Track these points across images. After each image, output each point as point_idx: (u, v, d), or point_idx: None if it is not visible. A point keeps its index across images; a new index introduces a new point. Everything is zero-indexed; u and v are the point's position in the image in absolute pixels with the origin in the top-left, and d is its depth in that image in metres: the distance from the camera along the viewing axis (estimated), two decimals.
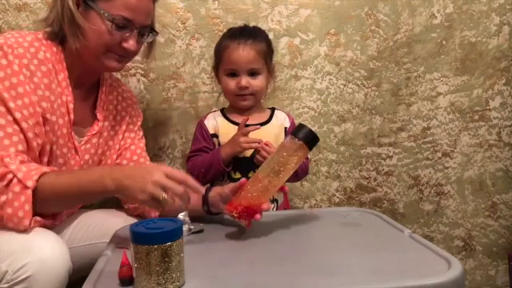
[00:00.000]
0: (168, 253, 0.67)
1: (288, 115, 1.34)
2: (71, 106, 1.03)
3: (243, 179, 0.97)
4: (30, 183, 0.85)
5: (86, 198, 0.95)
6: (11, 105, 0.90)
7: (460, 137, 1.61)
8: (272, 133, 1.26)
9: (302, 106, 1.54)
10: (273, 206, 1.24)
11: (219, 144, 1.25)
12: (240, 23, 1.37)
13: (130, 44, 1.02)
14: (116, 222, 1.04)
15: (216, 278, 0.74)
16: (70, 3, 0.97)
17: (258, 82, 1.23)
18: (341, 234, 0.99)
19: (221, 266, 0.79)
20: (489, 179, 1.64)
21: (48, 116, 0.96)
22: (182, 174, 0.88)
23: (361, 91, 1.56)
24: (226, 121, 1.28)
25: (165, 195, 0.83)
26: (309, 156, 1.47)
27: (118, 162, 1.17)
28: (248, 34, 1.24)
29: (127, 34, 1.01)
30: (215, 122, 1.28)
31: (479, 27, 1.58)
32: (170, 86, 1.48)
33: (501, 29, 1.59)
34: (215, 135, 1.27)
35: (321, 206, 1.58)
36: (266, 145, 1.18)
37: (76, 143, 1.05)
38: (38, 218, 0.88)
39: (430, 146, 1.61)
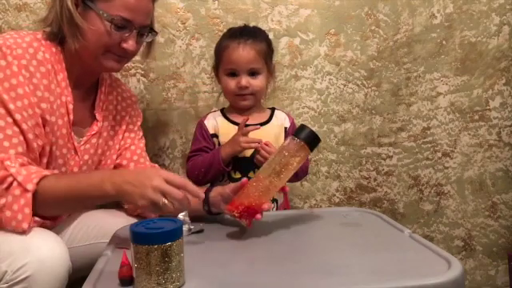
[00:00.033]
0: (168, 253, 0.67)
1: (288, 115, 1.33)
2: (71, 106, 1.02)
3: (244, 179, 0.97)
4: (30, 186, 0.85)
5: (86, 202, 0.95)
6: (11, 106, 0.90)
7: (460, 137, 1.61)
8: (272, 133, 1.26)
9: (302, 106, 1.54)
10: (273, 206, 1.24)
11: (219, 144, 1.25)
12: (240, 23, 1.37)
13: (130, 44, 1.01)
14: (116, 222, 1.04)
15: (216, 277, 0.74)
16: (69, 3, 0.96)
17: (258, 82, 1.23)
18: (341, 234, 0.99)
19: (221, 266, 0.79)
20: (489, 179, 1.64)
21: (47, 117, 0.96)
22: (181, 179, 0.88)
23: (361, 91, 1.56)
24: (226, 121, 1.28)
25: (165, 200, 0.83)
26: (309, 156, 1.47)
27: (117, 162, 1.17)
28: (248, 33, 1.24)
29: (126, 35, 1.00)
30: (215, 122, 1.28)
31: (479, 27, 1.58)
32: (170, 85, 1.48)
33: (501, 29, 1.59)
34: (215, 135, 1.27)
35: (321, 206, 1.58)
36: (266, 145, 1.18)
37: (75, 143, 1.05)
38: (37, 219, 0.88)
39: (429, 145, 1.61)
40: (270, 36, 1.36)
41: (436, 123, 1.60)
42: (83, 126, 1.08)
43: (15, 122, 0.90)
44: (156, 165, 1.22)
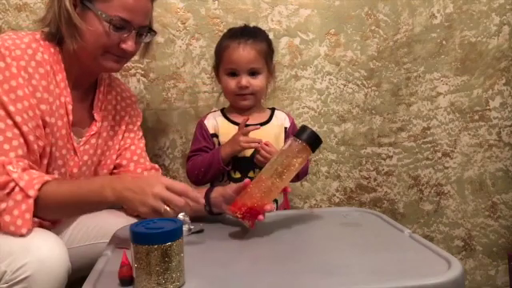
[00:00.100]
0: (168, 253, 0.67)
1: (288, 115, 1.33)
2: (70, 107, 1.02)
3: (247, 180, 0.97)
4: (32, 192, 0.85)
5: (87, 208, 0.95)
6: (11, 108, 0.90)
7: (460, 137, 1.61)
8: (272, 133, 1.26)
9: (302, 106, 1.54)
10: (275, 206, 1.24)
11: (219, 144, 1.25)
12: (240, 23, 1.37)
13: (129, 45, 1.01)
14: (116, 222, 1.04)
15: (216, 277, 0.74)
16: (67, 3, 0.95)
17: (258, 82, 1.23)
18: (341, 234, 0.99)
19: (221, 266, 0.79)
20: (489, 179, 1.64)
21: (47, 118, 0.96)
22: (182, 186, 0.88)
23: (361, 91, 1.56)
24: (226, 121, 1.28)
25: (166, 207, 0.83)
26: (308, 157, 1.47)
27: (117, 162, 1.17)
28: (248, 33, 1.24)
29: (125, 35, 1.00)
30: (215, 122, 1.28)
31: (479, 27, 1.58)
32: (170, 85, 1.48)
33: (501, 29, 1.59)
34: (215, 135, 1.27)
35: (321, 206, 1.58)
36: (266, 145, 1.18)
37: (75, 144, 1.05)
38: (36, 219, 0.88)
39: (429, 146, 1.61)
40: (270, 36, 1.36)
41: (436, 123, 1.60)
42: (82, 126, 1.08)
43: (15, 124, 0.90)
44: (156, 165, 1.22)
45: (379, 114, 1.58)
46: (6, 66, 0.91)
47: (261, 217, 0.92)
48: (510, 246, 1.66)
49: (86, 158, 1.08)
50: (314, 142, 0.94)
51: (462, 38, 1.58)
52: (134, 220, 1.08)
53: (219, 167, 1.19)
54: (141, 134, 1.23)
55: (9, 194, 0.85)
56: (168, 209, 0.83)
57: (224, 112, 1.30)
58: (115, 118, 1.16)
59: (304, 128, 0.94)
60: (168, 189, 0.85)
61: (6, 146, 0.88)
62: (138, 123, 1.22)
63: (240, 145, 1.17)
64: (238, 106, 1.26)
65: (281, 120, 1.30)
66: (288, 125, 1.30)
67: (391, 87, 1.57)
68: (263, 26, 1.42)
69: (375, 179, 1.60)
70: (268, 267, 0.79)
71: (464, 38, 1.58)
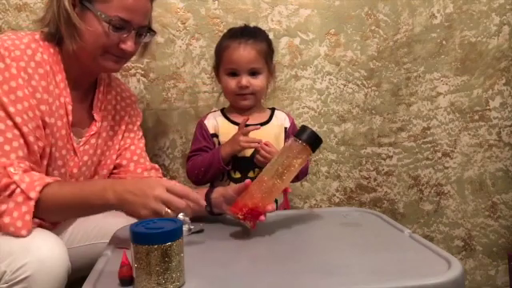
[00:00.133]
0: (168, 253, 0.67)
1: (288, 115, 1.33)
2: (69, 107, 1.02)
3: (248, 181, 0.97)
4: (33, 195, 0.85)
5: (88, 210, 0.95)
6: (11, 109, 0.89)
7: (460, 137, 1.61)
8: (272, 133, 1.26)
9: (302, 106, 1.54)
10: (275, 207, 1.24)
11: (219, 144, 1.25)
12: (240, 23, 1.37)
13: (128, 45, 1.00)
14: (116, 222, 1.04)
15: (216, 277, 0.74)
16: (66, 4, 0.95)
17: (258, 82, 1.23)
18: (341, 234, 0.99)
19: (221, 266, 0.79)
20: (489, 179, 1.64)
21: (47, 119, 0.96)
22: (183, 188, 0.88)
23: (361, 91, 1.56)
24: (226, 121, 1.28)
25: (167, 210, 0.83)
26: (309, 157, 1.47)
27: (117, 162, 1.17)
28: (249, 33, 1.24)
29: (125, 35, 0.99)
30: (215, 122, 1.28)
31: (479, 27, 1.58)
32: (170, 85, 1.48)
33: (501, 29, 1.59)
34: (215, 135, 1.27)
35: (321, 206, 1.58)
36: (266, 145, 1.18)
37: (75, 144, 1.05)
38: (36, 220, 0.88)
39: (429, 146, 1.61)
40: (270, 36, 1.36)
41: (436, 123, 1.60)
42: (82, 126, 1.08)
43: (15, 125, 0.90)
44: (156, 165, 1.22)
45: (379, 114, 1.58)
46: (5, 66, 0.90)
47: (262, 217, 0.92)
48: (509, 246, 1.66)
49: (85, 158, 1.08)
50: (314, 142, 0.94)
51: (461, 37, 1.58)
52: (133, 220, 1.08)
53: (219, 167, 1.19)
54: (141, 133, 1.23)
55: (10, 195, 0.85)
56: (169, 211, 0.83)
57: (224, 112, 1.30)
58: (115, 117, 1.16)
59: (304, 128, 0.94)
60: (169, 191, 0.85)
61: (7, 147, 0.88)
62: (138, 123, 1.22)
63: (240, 144, 1.17)
64: (238, 105, 1.26)
65: (281, 120, 1.30)
66: (288, 125, 1.30)
67: (391, 87, 1.57)
68: (263, 26, 1.42)
69: (375, 179, 1.60)
70: (268, 267, 0.79)
71: (464, 38, 1.58)
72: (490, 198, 1.64)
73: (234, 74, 1.23)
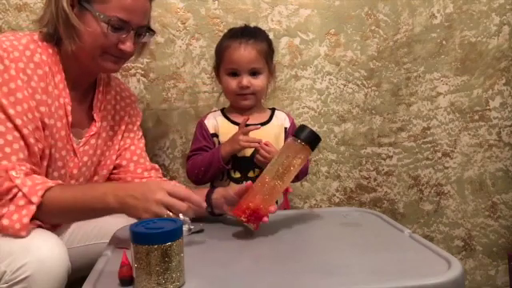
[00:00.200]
0: (168, 253, 0.67)
1: (288, 115, 1.34)
2: (69, 108, 1.02)
3: (248, 182, 0.98)
4: (35, 199, 0.85)
5: (90, 214, 0.95)
6: (11, 111, 0.89)
7: (460, 137, 1.61)
8: (272, 133, 1.26)
9: (302, 106, 1.54)
10: (277, 207, 1.24)
11: (219, 143, 1.25)
12: (240, 23, 1.37)
13: (127, 45, 1.00)
14: (116, 222, 1.04)
15: (216, 277, 0.74)
16: (65, 4, 0.94)
17: (259, 82, 1.23)
18: (341, 234, 0.99)
19: (221, 266, 0.79)
20: (489, 179, 1.64)
21: (46, 120, 0.96)
22: (184, 191, 0.88)
23: (361, 91, 1.56)
24: (226, 120, 1.28)
25: (169, 213, 0.83)
26: (309, 156, 1.47)
27: (117, 162, 1.16)
28: (249, 33, 1.24)
29: (123, 36, 0.99)
30: (215, 122, 1.28)
31: (479, 27, 1.58)
32: (170, 85, 1.48)
33: (501, 29, 1.59)
34: (215, 135, 1.27)
35: (321, 206, 1.58)
36: (266, 145, 1.18)
37: (74, 145, 1.04)
38: (37, 221, 0.88)
39: (429, 146, 1.61)
40: (270, 36, 1.35)
41: (436, 123, 1.60)
42: (82, 127, 1.08)
43: (16, 127, 0.90)
44: (156, 165, 1.22)
45: (379, 114, 1.58)
46: (4, 68, 0.90)
47: (265, 218, 0.92)
48: (510, 246, 1.66)
49: (85, 158, 1.08)
50: (313, 140, 0.94)
51: (461, 37, 1.58)
52: (133, 220, 1.08)
53: (219, 166, 1.19)
54: (140, 133, 1.22)
55: (11, 199, 0.85)
56: (171, 214, 0.83)
57: (224, 112, 1.30)
58: (115, 118, 1.16)
59: (303, 127, 0.94)
60: (170, 194, 0.85)
61: (7, 150, 0.88)
62: (138, 123, 1.22)
63: (240, 144, 1.17)
64: (239, 105, 1.26)
65: (281, 120, 1.31)
66: (288, 125, 1.30)
67: (391, 87, 1.57)
68: (263, 26, 1.42)
69: (375, 179, 1.60)
70: (268, 267, 0.79)
71: (464, 38, 1.58)
72: (489, 197, 1.64)
73: (234, 74, 1.23)
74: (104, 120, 1.12)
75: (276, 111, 1.33)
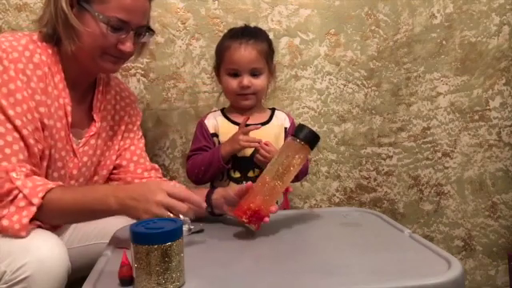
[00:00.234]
0: (168, 253, 0.67)
1: (288, 115, 1.34)
2: (69, 108, 1.01)
3: (249, 183, 0.98)
4: (36, 201, 0.85)
5: (90, 216, 0.95)
6: (10, 112, 0.89)
7: (460, 137, 1.61)
8: (272, 133, 1.26)
9: (302, 106, 1.54)
10: (278, 208, 1.24)
11: (219, 143, 1.25)
12: (240, 23, 1.37)
13: (127, 46, 0.99)
14: (116, 222, 1.04)
15: (216, 277, 0.74)
16: (64, 4, 0.94)
17: (259, 82, 1.23)
18: (341, 234, 0.99)
19: (221, 266, 0.79)
20: (489, 179, 1.64)
21: (45, 121, 0.95)
22: (184, 192, 0.89)
23: (361, 91, 1.56)
24: (226, 120, 1.28)
25: (170, 214, 0.83)
26: (309, 156, 1.47)
27: (117, 162, 1.16)
28: (249, 33, 1.24)
29: (123, 36, 0.98)
30: (215, 122, 1.28)
31: (479, 27, 1.58)
32: (170, 86, 1.48)
33: (501, 29, 1.59)
34: (215, 135, 1.27)
35: (321, 206, 1.58)
36: (266, 144, 1.18)
37: (74, 146, 1.04)
38: (38, 222, 0.88)
39: (429, 146, 1.61)
40: (270, 36, 1.35)
41: (436, 123, 1.60)
42: (81, 127, 1.08)
43: (15, 128, 0.89)
44: (156, 165, 1.22)
45: (379, 114, 1.58)
46: (3, 69, 0.90)
47: (266, 219, 0.93)
48: (510, 246, 1.66)
49: (85, 159, 1.07)
50: (312, 139, 0.94)
51: (461, 38, 1.58)
52: (133, 220, 1.08)
53: (219, 165, 1.19)
54: (140, 133, 1.22)
55: (12, 201, 0.85)
56: (171, 215, 0.83)
57: (224, 112, 1.30)
58: (114, 118, 1.16)
59: (301, 127, 0.95)
60: (170, 195, 0.86)
61: (7, 151, 0.88)
62: (138, 123, 1.22)
63: (240, 144, 1.17)
64: (239, 105, 1.26)
65: (281, 120, 1.31)
66: (288, 125, 1.30)
67: (391, 87, 1.57)
68: (263, 26, 1.42)
69: (375, 179, 1.60)
70: (268, 267, 0.79)
71: (464, 38, 1.58)
72: (490, 197, 1.64)
73: (235, 74, 1.23)
74: (104, 120, 1.12)
75: (276, 111, 1.33)
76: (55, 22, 0.97)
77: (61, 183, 0.95)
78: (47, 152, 0.97)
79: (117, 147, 1.16)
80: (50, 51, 0.99)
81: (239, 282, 0.72)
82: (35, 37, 0.99)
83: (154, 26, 1.13)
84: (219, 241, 0.94)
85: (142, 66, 1.46)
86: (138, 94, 1.45)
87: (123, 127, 1.17)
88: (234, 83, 1.23)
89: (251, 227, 0.93)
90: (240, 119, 1.23)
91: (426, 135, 1.60)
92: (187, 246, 0.74)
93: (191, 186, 1.29)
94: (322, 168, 1.57)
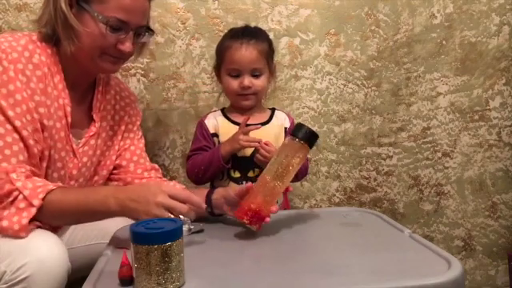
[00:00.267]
0: (168, 253, 0.67)
1: (288, 115, 1.34)
2: (68, 108, 1.01)
3: (249, 184, 0.98)
4: (37, 202, 0.85)
5: (91, 217, 0.95)
6: (10, 113, 0.89)
7: (460, 137, 1.61)
8: (272, 133, 1.26)
9: (302, 106, 1.54)
10: (279, 207, 1.24)
11: (219, 143, 1.25)
12: (240, 23, 1.37)
13: (126, 46, 0.99)
14: (116, 222, 1.04)
15: (216, 277, 0.74)
16: (63, 5, 0.93)
17: (260, 82, 1.23)
18: (341, 234, 0.99)
19: (221, 266, 0.79)
20: (489, 179, 1.64)
21: (45, 122, 0.95)
22: (184, 193, 0.89)
23: (361, 91, 1.56)
24: (226, 120, 1.28)
25: (170, 215, 0.84)
26: (308, 156, 1.47)
27: (117, 162, 1.16)
28: (250, 34, 1.24)
29: (122, 36, 0.98)
30: (215, 122, 1.28)
31: (479, 27, 1.58)
32: (170, 86, 1.48)
33: (501, 29, 1.59)
34: (215, 134, 1.27)
35: (321, 206, 1.58)
36: (266, 144, 1.18)
37: (74, 146, 1.04)
38: (37, 223, 0.88)
39: (429, 146, 1.61)
40: (270, 36, 1.35)
41: (436, 123, 1.60)
42: (81, 127, 1.07)
43: (15, 129, 0.89)
44: (156, 165, 1.22)
45: (379, 114, 1.58)
46: (3, 69, 0.89)
47: (267, 219, 0.93)
48: (510, 246, 1.66)
49: (85, 159, 1.07)
50: (310, 138, 0.94)
51: (461, 38, 1.58)
52: (133, 220, 1.08)
53: (219, 165, 1.19)
54: (140, 133, 1.22)
55: (12, 202, 0.85)
56: (172, 216, 0.83)
57: (224, 112, 1.30)
58: (114, 118, 1.16)
59: (299, 126, 0.95)
60: (170, 196, 0.86)
61: (7, 152, 0.88)
62: (138, 123, 1.21)
63: (240, 143, 1.17)
64: (240, 106, 1.26)
65: (281, 120, 1.31)
66: (288, 125, 1.30)
67: (391, 87, 1.57)
68: (263, 26, 1.41)
69: (375, 179, 1.60)
70: (268, 267, 0.79)
71: (464, 38, 1.58)
72: (490, 198, 1.64)
73: (235, 74, 1.23)
74: (104, 120, 1.12)
75: (276, 111, 1.33)
76: (54, 23, 0.96)
77: (61, 184, 0.95)
78: (47, 153, 0.97)
79: (117, 147, 1.16)
80: (49, 51, 0.99)
81: (239, 282, 0.72)
82: (34, 37, 0.99)
83: (154, 26, 1.13)
84: (219, 241, 0.94)
85: (142, 66, 1.46)
86: (138, 93, 1.45)
87: (123, 127, 1.17)
88: (234, 83, 1.23)
89: (252, 228, 0.93)
90: (240, 119, 1.23)
91: (426, 135, 1.60)
92: (187, 245, 0.74)
93: (191, 186, 1.29)
94: (321, 168, 1.57)
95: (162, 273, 0.67)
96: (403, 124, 1.59)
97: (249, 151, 1.22)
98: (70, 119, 1.02)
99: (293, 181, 1.27)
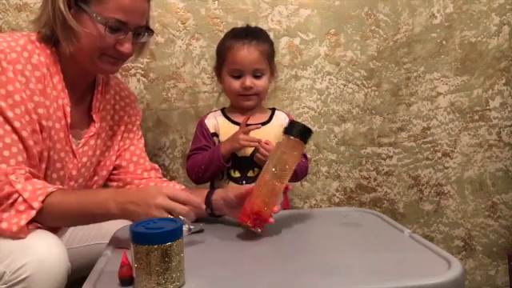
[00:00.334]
0: (168, 253, 0.67)
1: (288, 115, 1.33)
2: (68, 109, 1.01)
3: (248, 186, 0.98)
4: (36, 205, 0.85)
5: (90, 220, 0.95)
6: (9, 114, 0.88)
7: (460, 137, 1.61)
8: (272, 133, 1.26)
9: (302, 106, 1.54)
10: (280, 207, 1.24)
11: (219, 143, 1.25)
12: (240, 23, 1.37)
13: (125, 47, 0.98)
14: (116, 222, 1.04)
15: (216, 277, 0.74)
16: (61, 5, 0.93)
17: (261, 83, 1.23)
18: (341, 234, 0.99)
19: (221, 266, 0.79)
20: (489, 179, 1.64)
21: (44, 122, 0.95)
22: (184, 194, 0.89)
23: (361, 91, 1.56)
24: (226, 120, 1.28)
25: (170, 217, 0.83)
26: (308, 156, 1.47)
27: (117, 163, 1.16)
28: (252, 34, 1.23)
29: (121, 37, 0.97)
30: (216, 122, 1.28)
31: (479, 27, 1.58)
32: (170, 85, 1.48)
33: (501, 29, 1.59)
34: (215, 134, 1.27)
35: (321, 206, 1.58)
36: (266, 144, 1.18)
37: (73, 146, 1.04)
38: (37, 224, 0.88)
39: (429, 145, 1.61)
40: (270, 36, 1.35)
41: (436, 123, 1.60)
42: (81, 128, 1.07)
43: (14, 130, 0.89)
44: (156, 165, 1.22)
45: (379, 114, 1.58)
46: (2, 70, 0.89)
47: (271, 219, 0.93)
48: (510, 246, 1.66)
49: (85, 159, 1.07)
50: (304, 134, 0.95)
51: (461, 37, 1.58)
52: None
53: (219, 164, 1.19)
54: (140, 133, 1.22)
55: (12, 204, 0.85)
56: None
57: (224, 112, 1.30)
58: (114, 118, 1.15)
59: (292, 123, 0.97)
60: (170, 198, 0.86)
61: (6, 153, 0.88)
62: (138, 123, 1.21)
63: (240, 143, 1.17)
64: (241, 106, 1.26)
65: (281, 120, 1.30)
66: None
67: (391, 87, 1.57)
68: (263, 26, 1.41)
69: (375, 179, 1.60)
70: (268, 267, 0.79)
71: (464, 38, 1.58)
72: (490, 197, 1.64)
73: (237, 74, 1.23)
74: (103, 120, 1.12)
75: (276, 111, 1.33)
76: (53, 23, 0.96)
77: (61, 186, 0.95)
78: (46, 154, 0.96)
79: (116, 147, 1.16)
80: (48, 52, 0.98)
81: (239, 282, 0.72)
82: (33, 37, 0.98)
83: (154, 26, 1.13)
84: (219, 241, 0.94)
85: (142, 66, 1.46)
86: (138, 94, 1.45)
87: (123, 127, 1.17)
88: (236, 84, 1.23)
89: (256, 231, 0.93)
90: (240, 119, 1.23)
91: (426, 135, 1.60)
92: (187, 245, 0.74)
93: (191, 186, 1.30)
94: (322, 168, 1.57)
95: (162, 273, 0.67)
96: (403, 124, 1.59)
97: (249, 151, 1.22)
98: (69, 119, 1.01)
99: (293, 181, 1.27)
